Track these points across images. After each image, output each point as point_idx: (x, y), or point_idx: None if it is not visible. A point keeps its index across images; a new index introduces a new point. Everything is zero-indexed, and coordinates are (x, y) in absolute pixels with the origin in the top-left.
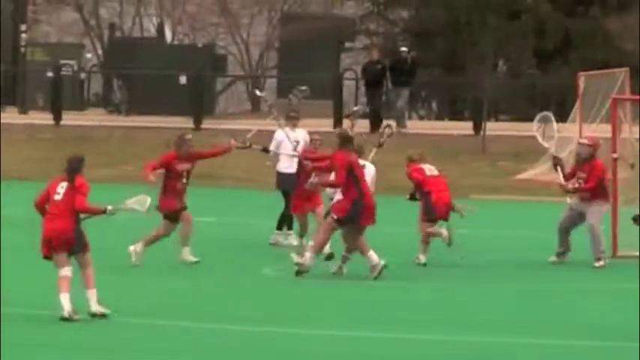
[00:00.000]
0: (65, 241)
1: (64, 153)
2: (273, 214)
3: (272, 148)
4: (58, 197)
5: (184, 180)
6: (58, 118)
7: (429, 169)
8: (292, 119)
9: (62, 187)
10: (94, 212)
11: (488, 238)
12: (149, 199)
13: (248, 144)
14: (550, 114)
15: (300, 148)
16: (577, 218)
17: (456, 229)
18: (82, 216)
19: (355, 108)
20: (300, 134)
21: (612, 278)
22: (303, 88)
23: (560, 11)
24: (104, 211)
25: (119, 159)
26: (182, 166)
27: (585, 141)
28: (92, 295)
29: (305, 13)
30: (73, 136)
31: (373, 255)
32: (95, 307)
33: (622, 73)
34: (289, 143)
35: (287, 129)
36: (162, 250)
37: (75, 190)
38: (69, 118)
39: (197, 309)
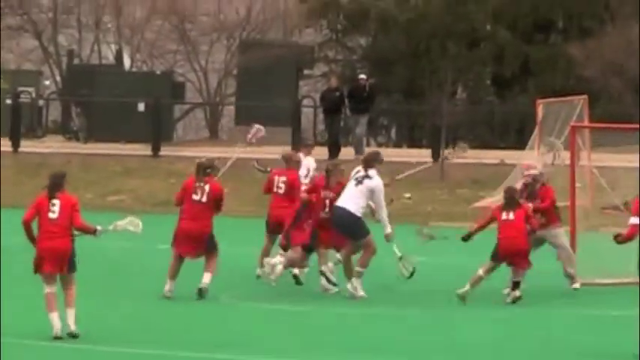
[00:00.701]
0: (63, 260)
1: (22, 179)
2: (233, 240)
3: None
4: (53, 215)
5: (327, 209)
6: (16, 145)
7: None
8: (309, 147)
9: (55, 205)
10: (87, 231)
11: (445, 266)
12: (139, 221)
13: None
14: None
15: (309, 176)
16: (536, 243)
17: (414, 256)
18: (75, 233)
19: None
20: (311, 162)
21: (581, 303)
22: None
23: (519, 38)
24: (94, 232)
25: (78, 186)
26: (326, 194)
27: (535, 171)
28: (71, 314)
29: (263, 41)
30: (31, 163)
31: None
32: (73, 327)
33: (580, 101)
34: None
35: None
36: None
37: (71, 208)
38: (27, 145)
39: (156, 335)
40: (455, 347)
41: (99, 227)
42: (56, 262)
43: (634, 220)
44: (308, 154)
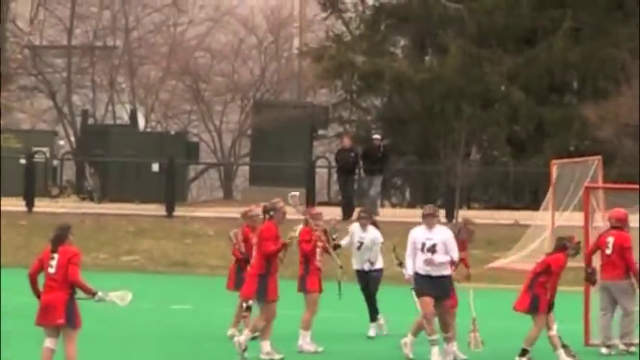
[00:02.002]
0: (57, 312)
1: (35, 239)
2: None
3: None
4: (51, 270)
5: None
6: (30, 204)
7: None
8: (362, 219)
9: (54, 259)
10: (85, 290)
11: (462, 326)
12: (130, 296)
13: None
14: None
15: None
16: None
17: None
18: (77, 295)
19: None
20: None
21: None
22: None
23: (534, 99)
24: (94, 295)
25: (91, 246)
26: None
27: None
28: None
29: (278, 101)
30: (45, 223)
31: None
32: None
33: (594, 161)
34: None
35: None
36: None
37: (68, 261)
38: (41, 205)
39: None
40: None
41: (100, 293)
42: (50, 314)
43: None
44: (364, 226)
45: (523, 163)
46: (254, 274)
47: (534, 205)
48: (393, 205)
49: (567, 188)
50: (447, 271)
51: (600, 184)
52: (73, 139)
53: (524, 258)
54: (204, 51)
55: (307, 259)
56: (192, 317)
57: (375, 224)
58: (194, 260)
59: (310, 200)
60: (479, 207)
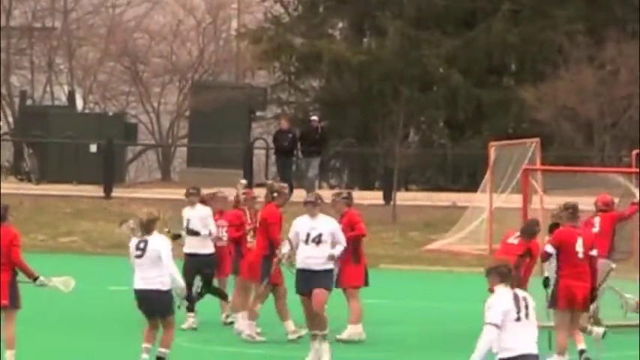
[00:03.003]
0: (2, 294)
1: None
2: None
3: None
4: None
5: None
6: None
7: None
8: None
9: None
10: (27, 273)
11: (397, 309)
12: (73, 282)
13: None
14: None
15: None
16: None
17: (365, 299)
18: (19, 277)
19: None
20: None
21: None
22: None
23: (472, 82)
24: (35, 279)
25: (30, 228)
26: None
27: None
28: (11, 356)
29: (216, 83)
30: None
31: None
32: None
33: (532, 144)
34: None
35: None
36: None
37: (9, 242)
38: None
39: None
40: None
41: (41, 277)
42: None
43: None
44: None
45: (461, 145)
46: (258, 256)
47: (472, 187)
48: (331, 187)
49: (505, 170)
50: (330, 265)
51: (538, 166)
52: (11, 119)
53: (461, 240)
54: (142, 32)
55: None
56: (129, 299)
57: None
58: None
59: (248, 182)
60: (417, 189)
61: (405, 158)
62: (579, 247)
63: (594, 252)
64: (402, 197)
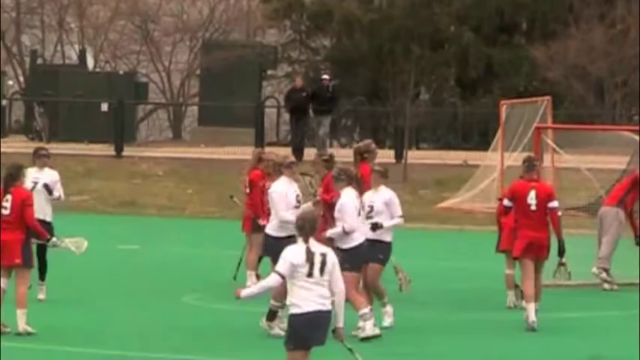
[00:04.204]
0: (14, 252)
1: None
2: (196, 241)
3: None
4: (5, 212)
5: None
6: None
7: None
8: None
9: (7, 201)
10: (40, 234)
11: (408, 267)
12: (86, 244)
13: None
14: None
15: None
16: None
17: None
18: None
19: None
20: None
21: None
22: None
23: (483, 40)
24: (48, 240)
25: None
26: None
27: None
28: (22, 315)
29: (227, 41)
30: None
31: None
32: (22, 327)
33: (544, 102)
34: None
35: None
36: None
37: (22, 203)
38: None
39: (118, 337)
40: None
41: (54, 238)
42: (7, 254)
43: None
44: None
45: (472, 104)
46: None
47: (483, 145)
48: (342, 146)
49: (516, 129)
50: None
51: (550, 124)
52: (22, 79)
53: (473, 198)
54: None
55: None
56: (138, 256)
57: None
58: (142, 200)
59: (259, 141)
60: (428, 147)
61: (416, 117)
62: (531, 199)
63: (554, 204)
64: (413, 156)
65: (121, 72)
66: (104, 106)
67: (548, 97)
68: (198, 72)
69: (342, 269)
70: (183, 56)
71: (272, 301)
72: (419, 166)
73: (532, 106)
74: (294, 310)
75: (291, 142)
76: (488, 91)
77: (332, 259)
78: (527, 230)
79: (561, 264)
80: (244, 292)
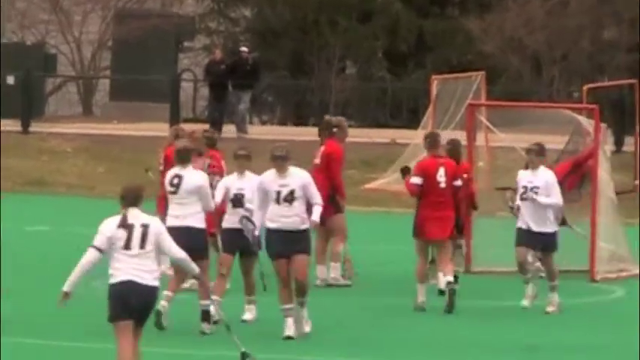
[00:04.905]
0: None
1: None
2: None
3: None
4: None
5: None
6: None
7: None
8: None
9: None
10: None
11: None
12: None
13: None
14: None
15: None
16: None
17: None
18: None
19: None
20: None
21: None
22: None
23: (414, 11)
24: None
25: None
26: None
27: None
28: None
29: (141, 11)
30: None
31: None
32: None
33: (478, 77)
34: None
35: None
36: None
37: None
38: None
39: (22, 324)
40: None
41: None
42: None
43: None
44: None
45: (402, 79)
46: (324, 196)
47: (413, 123)
48: (263, 122)
49: (449, 105)
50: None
51: (484, 101)
52: None
53: (401, 179)
54: None
55: None
56: (48, 239)
57: None
58: (51, 179)
59: (175, 117)
60: (354, 125)
61: (342, 92)
62: (440, 176)
63: (458, 182)
64: None
65: (29, 43)
66: (10, 79)
67: (482, 72)
68: (110, 43)
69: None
70: (94, 26)
71: (200, 302)
72: (345, 145)
73: (465, 82)
74: (109, 281)
75: (209, 118)
76: (420, 65)
77: (155, 229)
78: (431, 210)
79: (458, 246)
80: (67, 284)
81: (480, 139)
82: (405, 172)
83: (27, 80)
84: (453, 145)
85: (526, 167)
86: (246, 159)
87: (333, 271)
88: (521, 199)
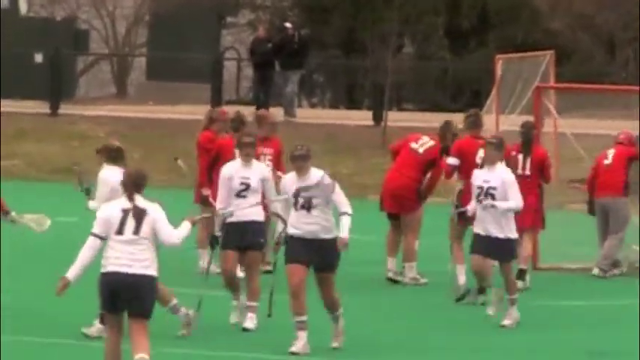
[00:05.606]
0: None
1: None
2: None
3: None
4: None
5: None
6: None
7: None
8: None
9: None
10: None
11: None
12: (49, 221)
13: None
14: None
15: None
16: None
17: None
18: None
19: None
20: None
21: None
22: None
23: None
24: (7, 214)
25: None
26: None
27: None
28: None
29: None
30: None
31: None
32: None
33: (546, 57)
34: None
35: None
36: None
37: None
38: None
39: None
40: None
41: (13, 213)
42: None
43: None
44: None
45: (463, 59)
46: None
47: (476, 106)
48: (313, 106)
49: (514, 88)
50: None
51: (552, 83)
52: None
53: None
54: None
55: None
56: (77, 231)
57: None
58: (81, 166)
59: (216, 98)
60: (412, 108)
61: (398, 73)
62: (479, 158)
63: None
64: (394, 117)
65: (59, 18)
66: (38, 57)
67: (551, 52)
68: (146, 18)
69: None
70: (129, 1)
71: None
72: (401, 130)
73: (532, 62)
74: (100, 270)
75: (254, 100)
76: (483, 43)
77: (153, 216)
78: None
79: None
80: (70, 272)
81: (549, 124)
82: (444, 151)
83: (56, 58)
84: (527, 128)
85: (481, 166)
86: (251, 146)
87: (410, 271)
88: (477, 201)
